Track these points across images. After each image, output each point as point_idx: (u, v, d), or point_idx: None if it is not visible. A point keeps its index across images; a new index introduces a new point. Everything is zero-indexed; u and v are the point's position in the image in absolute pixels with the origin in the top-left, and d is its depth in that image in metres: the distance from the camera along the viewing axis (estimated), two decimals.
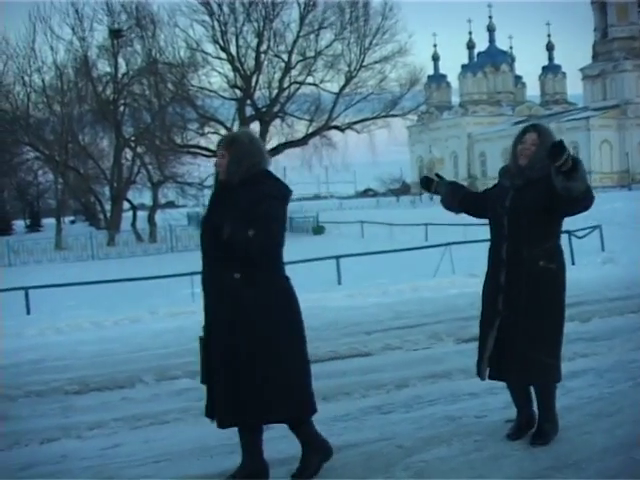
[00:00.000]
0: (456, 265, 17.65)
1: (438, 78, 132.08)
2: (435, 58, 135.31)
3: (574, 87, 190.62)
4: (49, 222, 61.65)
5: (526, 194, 5.71)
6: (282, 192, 5.15)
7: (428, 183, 6.40)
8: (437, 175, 6.49)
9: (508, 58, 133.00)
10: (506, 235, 5.76)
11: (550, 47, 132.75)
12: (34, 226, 70.43)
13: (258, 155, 5.20)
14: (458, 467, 5.50)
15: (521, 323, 5.66)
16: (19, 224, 72.23)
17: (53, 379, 9.12)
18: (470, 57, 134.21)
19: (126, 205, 51.03)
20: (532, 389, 5.92)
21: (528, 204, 5.67)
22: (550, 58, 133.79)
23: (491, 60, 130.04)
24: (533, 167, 5.72)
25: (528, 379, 5.84)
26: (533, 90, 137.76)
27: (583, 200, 5.52)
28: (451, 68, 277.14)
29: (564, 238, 18.69)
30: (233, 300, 5.07)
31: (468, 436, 6.06)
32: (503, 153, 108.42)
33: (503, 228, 5.78)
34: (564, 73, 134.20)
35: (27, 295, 13.95)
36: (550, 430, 5.85)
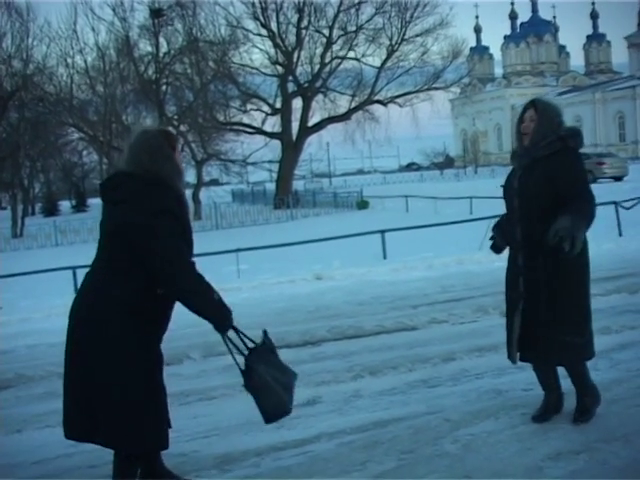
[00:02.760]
0: None
1: (480, 50, 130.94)
2: (477, 30, 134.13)
3: (619, 56, 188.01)
4: (95, 202, 62.09)
5: (533, 173, 5.61)
6: None
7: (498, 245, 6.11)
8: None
9: (551, 28, 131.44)
10: (518, 217, 5.68)
11: (594, 15, 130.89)
12: (80, 206, 70.94)
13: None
14: (505, 440, 5.50)
15: (543, 304, 5.58)
16: (65, 205, 72.79)
17: None
18: (513, 28, 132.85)
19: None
20: (563, 370, 5.86)
21: (536, 183, 5.57)
22: (594, 27, 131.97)
23: (534, 30, 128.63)
24: (537, 145, 5.62)
25: (555, 360, 5.77)
26: (577, 60, 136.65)
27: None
28: (493, 39, 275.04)
29: (611, 209, 18.56)
30: None
31: (515, 409, 6.06)
32: None
33: (515, 210, 5.71)
34: (609, 42, 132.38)
35: (75, 274, 14.07)
36: (591, 404, 5.80)
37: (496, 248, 6.06)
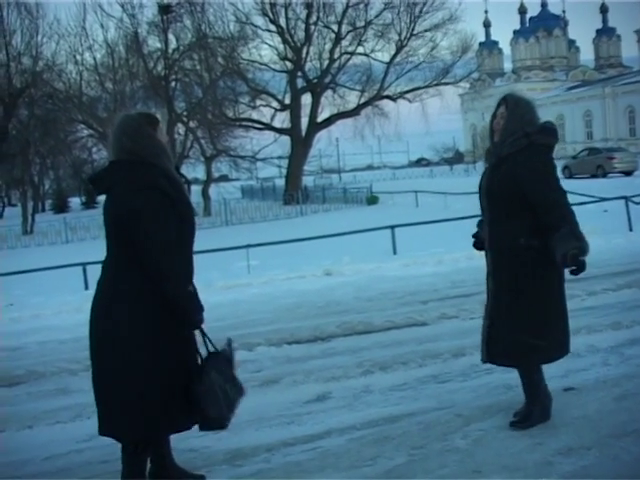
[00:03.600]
0: None
1: (490, 45, 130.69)
2: (486, 24, 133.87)
3: (629, 50, 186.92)
4: (104, 199, 62.18)
5: (499, 172, 5.50)
6: None
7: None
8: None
9: (561, 22, 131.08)
10: (487, 216, 5.65)
11: (604, 9, 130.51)
12: (90, 203, 70.95)
13: None
14: (516, 435, 5.50)
15: (505, 304, 5.54)
16: (75, 201, 72.87)
17: None
18: (522, 22, 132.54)
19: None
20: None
21: (501, 182, 5.47)
22: (604, 21, 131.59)
23: (543, 25, 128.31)
24: (504, 142, 5.50)
25: (512, 361, 5.68)
26: (587, 54, 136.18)
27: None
28: (503, 34, 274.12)
29: (621, 204, 18.48)
30: None
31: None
32: (557, 119, 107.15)
33: (484, 209, 5.69)
34: (619, 36, 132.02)
35: (85, 271, 14.10)
36: (535, 416, 5.64)
37: (478, 245, 6.06)
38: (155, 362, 4.63)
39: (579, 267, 5.28)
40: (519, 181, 5.38)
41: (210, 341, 4.91)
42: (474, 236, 6.06)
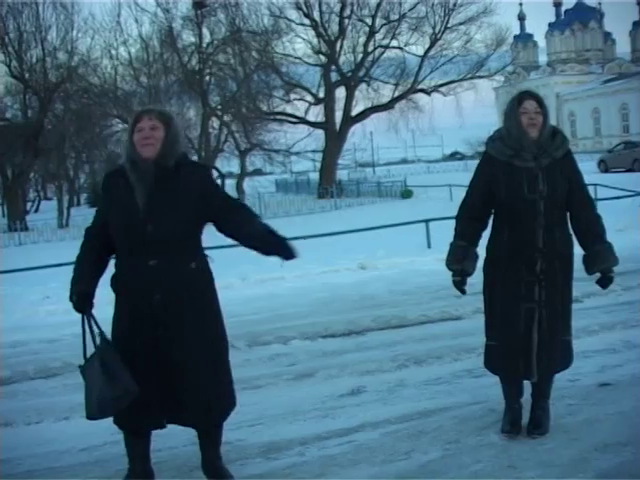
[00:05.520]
0: None
1: (524, 38, 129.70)
2: (521, 17, 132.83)
3: None
4: None
5: (555, 175, 5.30)
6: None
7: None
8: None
9: (597, 14, 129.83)
10: (543, 222, 5.27)
11: None
12: None
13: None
14: (551, 431, 5.46)
15: (558, 310, 5.37)
16: None
17: None
18: (557, 15, 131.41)
19: (214, 173, 51.54)
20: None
21: (561, 186, 5.31)
22: None
23: (579, 17, 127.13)
24: (553, 141, 5.37)
25: (565, 365, 5.56)
26: (623, 47, 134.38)
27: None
28: (538, 27, 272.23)
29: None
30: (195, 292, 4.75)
31: (561, 400, 6.01)
32: (593, 113, 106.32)
33: (539, 215, 5.27)
34: None
35: None
36: (546, 419, 5.55)
37: (463, 284, 5.76)
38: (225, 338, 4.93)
39: (610, 282, 5.39)
40: (570, 186, 5.36)
41: (98, 327, 4.75)
42: (460, 274, 5.77)
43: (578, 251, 5.40)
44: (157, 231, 4.56)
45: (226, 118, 45.07)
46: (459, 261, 5.61)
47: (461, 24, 51.32)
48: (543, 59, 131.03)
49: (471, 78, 52.95)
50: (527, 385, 5.57)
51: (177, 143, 4.72)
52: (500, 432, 5.49)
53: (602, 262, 5.29)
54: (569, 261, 5.41)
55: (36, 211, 60.67)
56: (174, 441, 5.65)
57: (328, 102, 49.88)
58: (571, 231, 5.47)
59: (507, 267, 5.45)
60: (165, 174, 4.62)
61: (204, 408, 4.70)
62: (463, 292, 5.60)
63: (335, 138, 49.24)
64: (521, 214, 5.33)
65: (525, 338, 5.34)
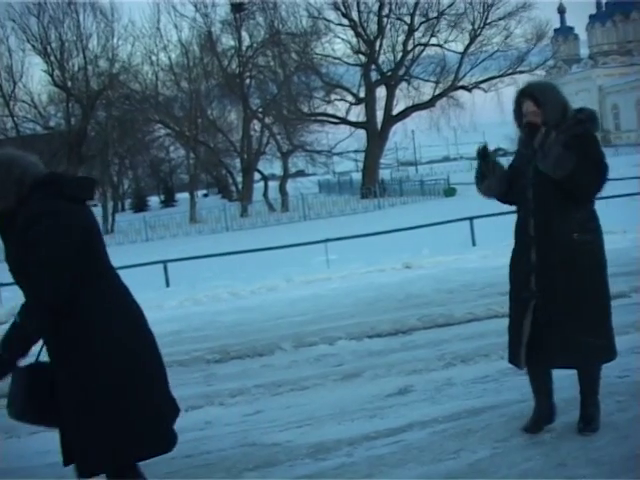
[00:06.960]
0: None
1: (565, 31, 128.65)
2: (561, 10, 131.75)
3: None
4: (183, 197, 62.93)
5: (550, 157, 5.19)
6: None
7: (485, 155, 5.85)
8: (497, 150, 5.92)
9: (638, 5, 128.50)
10: (532, 209, 5.30)
11: None
12: (168, 201, 72.04)
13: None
14: (601, 428, 5.39)
15: (562, 305, 5.21)
16: (154, 200, 73.97)
17: (194, 349, 9.35)
18: (598, 6, 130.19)
19: (257, 176, 51.76)
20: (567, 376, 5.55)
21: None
22: None
23: (620, 8, 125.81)
24: (564, 121, 5.28)
25: (576, 362, 5.36)
26: None
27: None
28: (578, 19, 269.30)
29: None
30: None
31: (610, 396, 5.92)
32: (637, 104, 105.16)
33: (528, 201, 5.32)
34: None
35: (166, 268, 14.29)
36: (597, 414, 5.43)
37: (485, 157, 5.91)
38: None
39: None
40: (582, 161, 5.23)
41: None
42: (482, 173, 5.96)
43: (608, 246, 5.31)
44: None
45: (267, 120, 45.29)
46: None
47: (500, 19, 51.16)
48: (584, 52, 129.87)
49: (512, 73, 52.61)
50: (575, 382, 5.50)
51: None
52: (523, 430, 5.46)
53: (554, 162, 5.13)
54: (576, 251, 5.23)
55: None
56: (223, 443, 5.67)
57: (369, 102, 49.91)
58: (593, 222, 5.37)
59: (513, 255, 5.59)
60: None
61: None
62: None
63: (377, 138, 49.24)
64: (515, 199, 5.58)
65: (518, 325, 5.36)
